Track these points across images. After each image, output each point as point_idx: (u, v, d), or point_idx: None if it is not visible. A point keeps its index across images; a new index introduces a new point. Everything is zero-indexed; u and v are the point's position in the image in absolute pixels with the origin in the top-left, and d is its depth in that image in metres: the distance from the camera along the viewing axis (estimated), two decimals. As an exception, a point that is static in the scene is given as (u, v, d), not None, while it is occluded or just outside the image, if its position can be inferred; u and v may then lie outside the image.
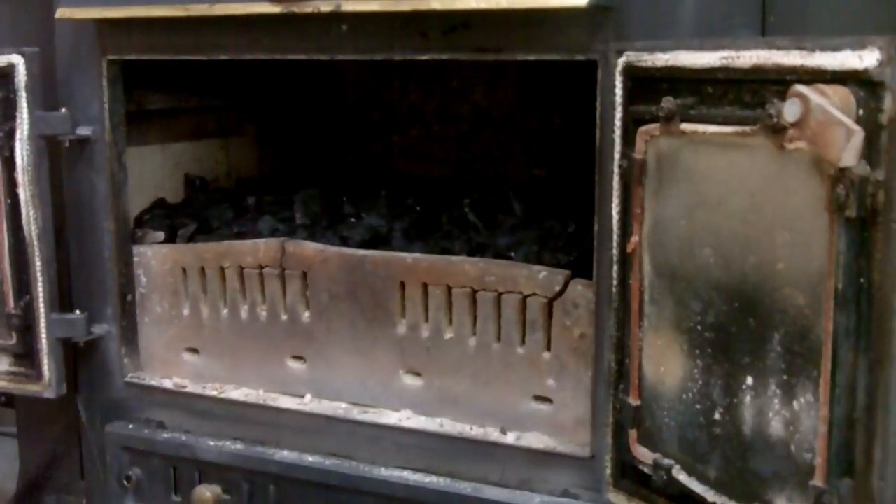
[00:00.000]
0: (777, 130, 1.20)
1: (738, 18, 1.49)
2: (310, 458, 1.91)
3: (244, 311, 2.02)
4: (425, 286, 1.85)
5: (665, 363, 1.47)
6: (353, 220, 2.16)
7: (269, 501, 1.93)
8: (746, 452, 1.32)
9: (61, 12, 1.94)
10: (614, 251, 1.54)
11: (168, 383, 2.10)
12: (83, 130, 2.02)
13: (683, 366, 1.43)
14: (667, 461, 1.46)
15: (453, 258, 1.86)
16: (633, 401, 1.53)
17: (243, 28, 1.84)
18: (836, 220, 1.15)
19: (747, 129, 1.27)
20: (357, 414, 1.92)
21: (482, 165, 2.41)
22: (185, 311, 2.07)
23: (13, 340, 2.03)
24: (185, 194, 2.39)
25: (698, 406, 1.41)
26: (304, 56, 1.83)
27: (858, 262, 1.16)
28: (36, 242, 1.97)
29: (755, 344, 1.30)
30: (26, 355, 2.04)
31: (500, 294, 1.79)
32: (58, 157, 2.06)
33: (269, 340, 2.00)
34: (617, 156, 1.51)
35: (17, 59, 1.92)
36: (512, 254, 1.89)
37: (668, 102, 1.38)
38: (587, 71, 1.60)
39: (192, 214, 2.25)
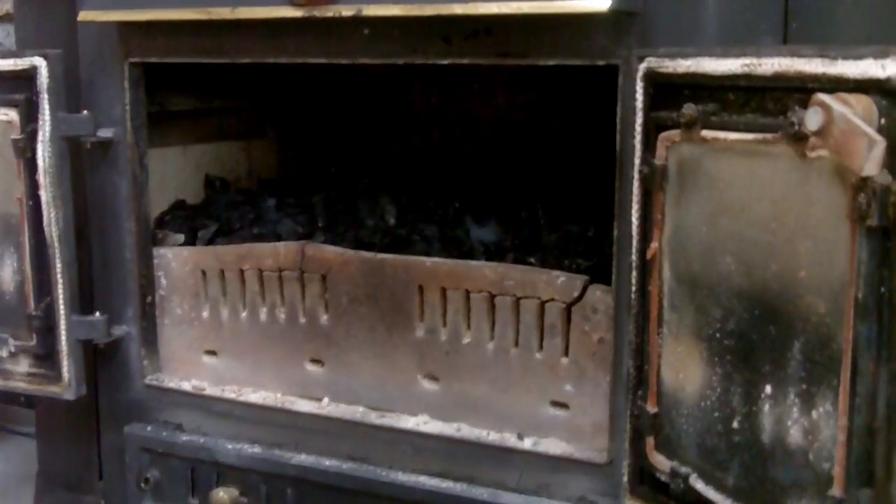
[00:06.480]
0: (799, 139, 1.20)
1: (760, 25, 1.49)
2: (327, 462, 1.92)
3: (263, 314, 2.02)
4: (444, 290, 1.85)
5: (684, 370, 1.46)
6: (372, 223, 2.17)
7: (287, 504, 1.94)
8: (765, 461, 1.32)
9: (84, 15, 1.95)
10: (634, 257, 1.54)
11: (187, 385, 2.10)
12: (105, 132, 2.03)
13: (702, 373, 1.42)
14: (684, 469, 1.46)
15: (472, 262, 1.86)
16: (652, 407, 1.52)
17: (265, 32, 1.85)
18: (857, 229, 1.15)
19: (769, 136, 1.27)
20: (375, 418, 1.92)
21: (503, 169, 2.40)
22: (205, 314, 2.08)
23: (34, 341, 2.04)
24: (205, 196, 2.40)
25: (717, 414, 1.40)
26: (325, 60, 1.84)
27: (880, 271, 1.15)
28: (57, 244, 1.98)
29: (775, 352, 1.29)
30: (46, 356, 2.04)
31: (518, 299, 1.79)
32: (80, 158, 2.07)
33: (288, 343, 2.01)
34: (637, 162, 1.51)
35: (40, 62, 1.94)
36: (531, 258, 1.89)
37: (689, 109, 1.38)
38: (610, 76, 1.60)
39: (212, 216, 2.26)
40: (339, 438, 1.93)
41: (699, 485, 1.43)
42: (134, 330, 2.11)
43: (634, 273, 1.54)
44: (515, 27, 1.65)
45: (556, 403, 1.78)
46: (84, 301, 2.09)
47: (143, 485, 2.06)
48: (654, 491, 1.55)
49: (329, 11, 1.71)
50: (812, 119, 1.17)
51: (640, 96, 1.50)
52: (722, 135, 1.35)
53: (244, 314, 2.04)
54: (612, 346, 1.67)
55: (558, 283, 1.75)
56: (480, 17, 1.63)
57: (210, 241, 2.15)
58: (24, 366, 2.08)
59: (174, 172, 2.30)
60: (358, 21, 1.72)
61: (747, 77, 1.31)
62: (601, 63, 1.61)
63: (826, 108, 1.15)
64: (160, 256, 2.11)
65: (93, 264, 2.12)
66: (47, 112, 1.95)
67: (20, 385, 2.10)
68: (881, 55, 1.14)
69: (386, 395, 1.93)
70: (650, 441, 1.53)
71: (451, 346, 1.85)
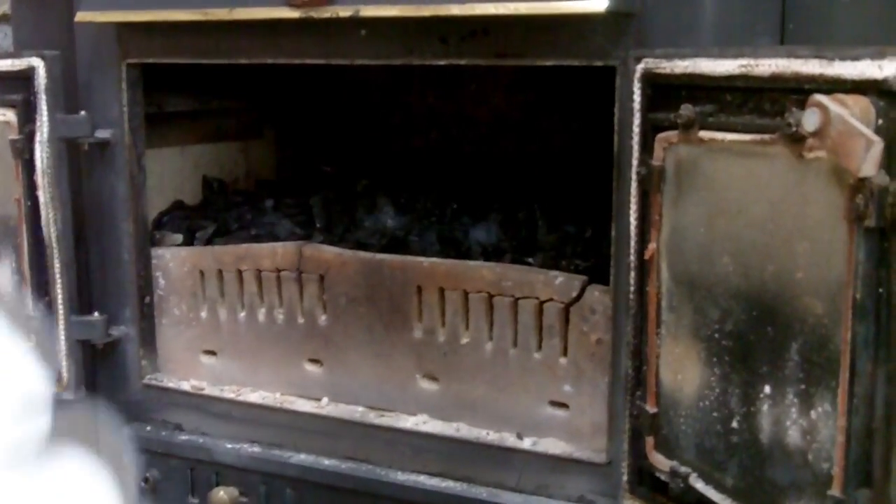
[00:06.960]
0: (796, 140, 1.20)
1: (758, 26, 1.49)
2: (326, 462, 1.92)
3: (262, 314, 2.02)
4: (442, 291, 1.85)
5: (682, 370, 1.46)
6: (370, 223, 2.16)
7: (286, 504, 1.94)
8: (764, 461, 1.32)
9: (81, 16, 1.94)
10: (632, 258, 1.54)
11: (186, 385, 2.10)
12: (103, 133, 2.02)
13: (701, 373, 1.43)
14: (684, 469, 1.46)
15: (470, 263, 1.86)
16: (651, 407, 1.53)
17: (262, 32, 1.85)
18: (855, 229, 1.15)
19: (766, 137, 1.27)
20: (374, 418, 1.92)
21: (501, 169, 2.40)
22: (203, 314, 2.08)
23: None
24: (203, 196, 2.39)
25: (716, 414, 1.40)
26: (323, 60, 1.84)
27: (878, 272, 1.15)
28: (55, 244, 1.98)
29: (773, 353, 1.29)
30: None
31: (516, 299, 1.79)
32: (77, 159, 2.06)
33: (287, 343, 2.01)
34: (635, 163, 1.51)
35: (38, 62, 1.93)
36: (529, 259, 1.89)
37: (686, 110, 1.38)
38: (607, 77, 1.60)
39: (210, 217, 2.26)
40: (338, 438, 1.93)
41: (699, 484, 1.44)
42: (132, 330, 2.11)
43: (632, 274, 1.54)
44: (513, 28, 1.65)
45: (554, 403, 1.78)
46: (82, 301, 2.08)
47: (142, 485, 2.06)
48: (654, 491, 1.55)
49: (326, 12, 1.71)
50: (809, 120, 1.17)
51: (637, 97, 1.50)
52: (719, 136, 1.35)
53: (242, 314, 2.05)
54: (611, 346, 1.67)
55: (556, 283, 1.75)
56: (478, 17, 1.63)
57: (208, 242, 2.14)
58: (22, 366, 2.07)
59: (172, 173, 2.30)
60: (355, 22, 1.72)
61: (744, 78, 1.31)
62: (598, 64, 1.61)
63: (823, 108, 1.15)
64: (158, 257, 2.11)
65: (91, 265, 2.12)
66: (45, 113, 1.94)
67: (19, 385, 2.10)
68: (878, 56, 1.14)
69: (385, 394, 1.93)
70: (649, 441, 1.53)
71: (449, 347, 1.85)
